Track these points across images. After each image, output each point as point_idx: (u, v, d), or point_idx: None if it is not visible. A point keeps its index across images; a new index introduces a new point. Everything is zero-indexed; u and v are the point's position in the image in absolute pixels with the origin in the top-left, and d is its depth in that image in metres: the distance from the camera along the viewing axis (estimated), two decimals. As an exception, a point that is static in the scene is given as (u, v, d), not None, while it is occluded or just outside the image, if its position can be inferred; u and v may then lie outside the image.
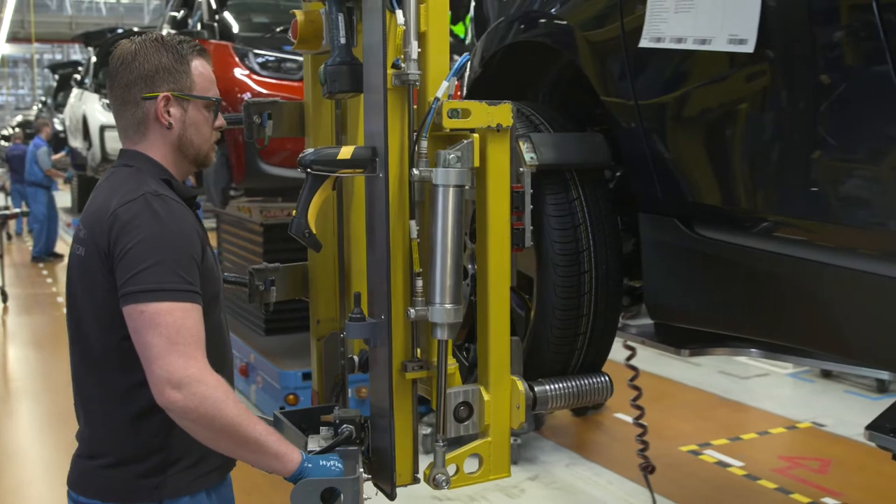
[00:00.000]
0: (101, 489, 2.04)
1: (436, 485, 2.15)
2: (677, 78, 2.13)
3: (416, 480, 2.21)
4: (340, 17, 2.26)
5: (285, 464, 1.94)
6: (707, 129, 2.07)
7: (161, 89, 2.03)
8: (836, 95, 1.77)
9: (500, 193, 2.18)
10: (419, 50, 2.06)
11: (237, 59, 5.20)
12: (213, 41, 5.53)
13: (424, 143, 2.08)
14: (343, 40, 2.26)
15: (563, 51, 2.48)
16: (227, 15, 5.74)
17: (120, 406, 2.01)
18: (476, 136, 2.11)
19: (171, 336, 1.84)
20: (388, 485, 2.15)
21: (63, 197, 19.42)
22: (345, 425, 2.17)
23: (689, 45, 1.99)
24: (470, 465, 2.24)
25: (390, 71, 2.05)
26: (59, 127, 15.77)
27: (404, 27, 2.04)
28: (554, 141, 2.36)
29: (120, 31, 13.40)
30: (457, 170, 2.06)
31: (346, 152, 2.08)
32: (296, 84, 5.13)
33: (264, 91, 5.01)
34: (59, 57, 34.20)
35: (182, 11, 6.51)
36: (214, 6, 5.74)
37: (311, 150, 2.14)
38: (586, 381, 2.43)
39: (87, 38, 13.55)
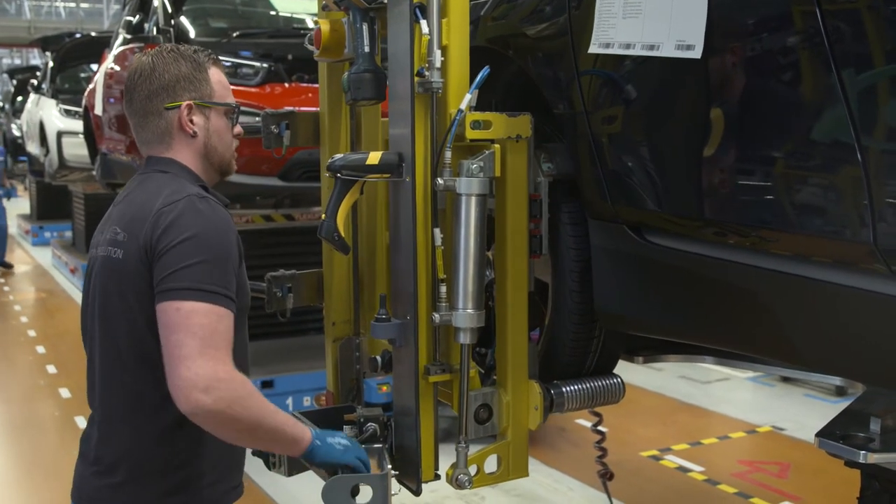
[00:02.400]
0: None
1: (458, 484, 2.24)
2: (625, 85, 2.12)
3: (437, 477, 2.29)
4: (364, 27, 2.34)
5: (299, 446, 1.98)
6: (655, 137, 2.06)
7: (183, 98, 2.04)
8: (784, 102, 1.76)
9: (518, 201, 2.29)
10: (442, 59, 2.12)
11: None
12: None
13: (448, 153, 2.14)
14: (367, 49, 2.34)
15: (512, 57, 2.46)
16: (183, 20, 5.67)
17: (149, 419, 1.95)
18: (497, 146, 2.19)
19: (204, 338, 1.80)
20: (412, 481, 2.24)
21: (22, 203, 19.16)
22: (369, 423, 2.26)
23: (637, 51, 1.98)
24: (489, 466, 2.33)
25: (415, 79, 2.12)
26: (16, 133, 15.54)
27: (428, 37, 2.11)
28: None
29: (78, 35, 13.29)
30: (479, 179, 2.14)
31: (374, 158, 2.16)
32: (252, 90, 5.08)
33: (220, 96, 4.96)
34: (17, 61, 33.74)
35: (138, 16, 6.42)
36: (170, 11, 5.67)
37: (339, 155, 2.21)
38: (600, 383, 2.50)
39: (44, 43, 13.40)
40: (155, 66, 2.05)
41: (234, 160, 2.17)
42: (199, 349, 1.79)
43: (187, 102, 2.03)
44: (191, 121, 2.04)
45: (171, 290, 1.83)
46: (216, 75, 2.11)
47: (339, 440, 2.06)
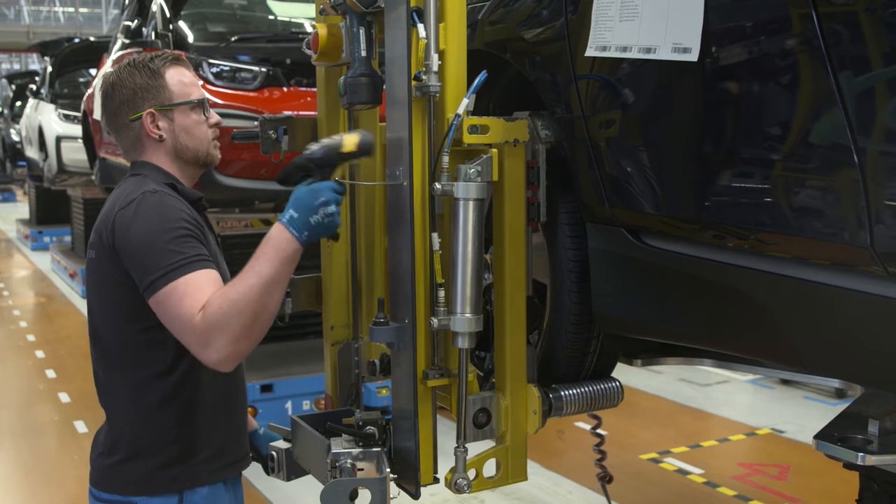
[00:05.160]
0: (120, 484, 2.11)
1: (457, 489, 2.24)
2: (622, 88, 2.12)
3: (436, 481, 2.29)
4: (361, 31, 2.35)
5: (294, 255, 1.99)
6: (652, 140, 2.06)
7: (143, 108, 2.16)
8: (781, 105, 1.76)
9: (516, 205, 2.28)
10: (439, 63, 2.13)
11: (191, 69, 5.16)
12: (166, 51, 5.46)
13: (446, 158, 2.15)
14: (364, 53, 2.34)
15: (509, 61, 2.46)
16: (181, 24, 5.67)
17: (136, 399, 2.10)
18: (494, 150, 2.20)
19: (181, 314, 1.90)
20: (411, 485, 2.25)
21: (21, 208, 19.16)
22: (367, 427, 2.26)
23: (634, 54, 1.98)
24: (489, 470, 2.34)
25: (413, 82, 2.12)
26: (15, 138, 15.54)
27: (425, 40, 2.11)
28: None
29: (77, 40, 13.29)
30: (477, 184, 2.15)
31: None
32: (251, 94, 5.08)
33: (219, 101, 4.96)
34: (16, 66, 33.75)
35: (137, 21, 6.42)
36: (169, 15, 5.67)
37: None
38: (599, 387, 2.49)
39: (43, 48, 13.40)
40: (115, 84, 2.18)
41: (215, 149, 2.25)
42: (183, 325, 1.90)
43: (148, 111, 2.15)
44: (157, 126, 2.17)
45: (147, 286, 1.95)
46: (175, 76, 2.20)
47: (315, 186, 2.17)
